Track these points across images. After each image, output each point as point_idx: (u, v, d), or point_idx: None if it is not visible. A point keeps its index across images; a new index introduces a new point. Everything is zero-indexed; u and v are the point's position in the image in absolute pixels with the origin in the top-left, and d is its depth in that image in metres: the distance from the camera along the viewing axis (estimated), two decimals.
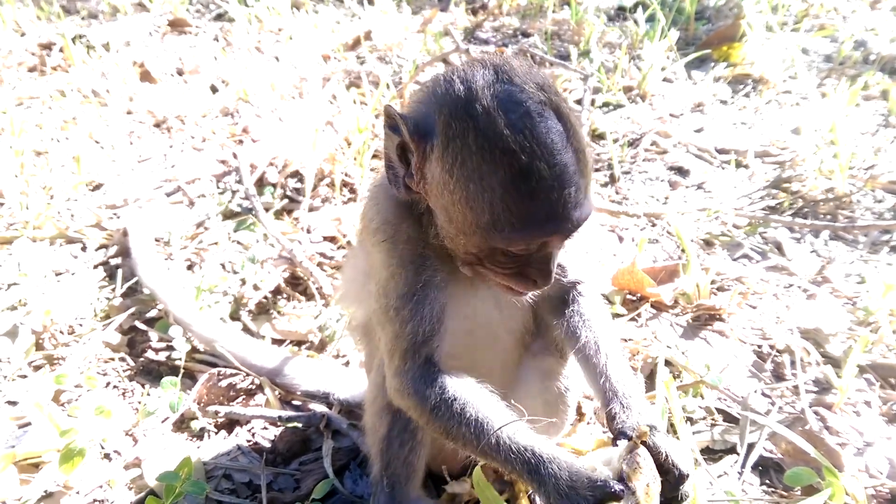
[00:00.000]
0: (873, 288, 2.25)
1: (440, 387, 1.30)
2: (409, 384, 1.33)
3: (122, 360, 2.09)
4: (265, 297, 2.38)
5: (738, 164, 3.17)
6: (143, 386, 2.01)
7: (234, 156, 3.07)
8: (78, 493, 1.66)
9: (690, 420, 1.90)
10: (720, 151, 3.26)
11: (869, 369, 2.09)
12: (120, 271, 2.40)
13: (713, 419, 1.91)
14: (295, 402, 1.97)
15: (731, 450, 1.82)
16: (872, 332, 2.19)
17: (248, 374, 1.99)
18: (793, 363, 2.09)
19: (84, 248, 2.58)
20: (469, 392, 1.31)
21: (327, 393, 1.95)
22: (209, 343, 2.06)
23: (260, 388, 1.98)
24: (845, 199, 2.87)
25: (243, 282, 2.37)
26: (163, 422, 1.86)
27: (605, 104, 3.69)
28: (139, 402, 1.93)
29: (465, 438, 1.28)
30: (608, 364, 1.37)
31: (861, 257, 2.59)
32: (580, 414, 1.91)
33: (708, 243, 2.69)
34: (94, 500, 1.65)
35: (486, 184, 1.12)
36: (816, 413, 1.93)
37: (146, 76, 3.82)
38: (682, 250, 2.56)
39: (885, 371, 2.09)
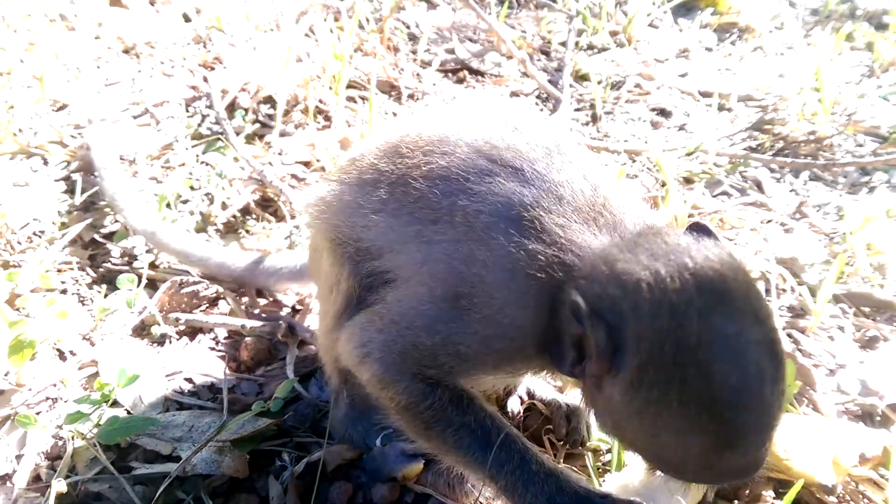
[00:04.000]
0: (851, 219, 2.23)
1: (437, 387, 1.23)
2: (401, 380, 1.23)
3: (82, 269, 2.01)
4: (234, 216, 2.31)
5: (721, 108, 3.13)
6: (104, 296, 1.94)
7: (205, 80, 2.97)
8: (30, 390, 1.59)
9: None
10: (703, 94, 3.22)
11: (844, 298, 2.08)
12: (80, 185, 2.31)
13: None
14: (260, 312, 1.92)
15: None
16: (848, 264, 2.18)
17: (211, 283, 1.93)
18: (767, 290, 2.07)
19: (45, 163, 2.48)
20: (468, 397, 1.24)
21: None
22: (172, 250, 1.98)
23: (223, 296, 1.92)
24: (826, 141, 2.85)
25: (211, 199, 2.30)
26: (122, 327, 1.79)
27: (591, 46, 3.62)
28: (98, 309, 1.86)
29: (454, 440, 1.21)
30: None
31: (840, 197, 2.57)
32: None
33: (688, 181, 2.66)
34: (47, 398, 1.59)
35: (683, 441, 1.00)
36: (790, 336, 1.92)
37: (116, 1, 3.67)
38: (662, 184, 2.53)
39: (860, 300, 2.08)
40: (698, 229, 1.10)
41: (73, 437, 1.43)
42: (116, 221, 2.18)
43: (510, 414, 1.61)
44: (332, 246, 1.39)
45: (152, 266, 2.01)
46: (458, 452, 1.23)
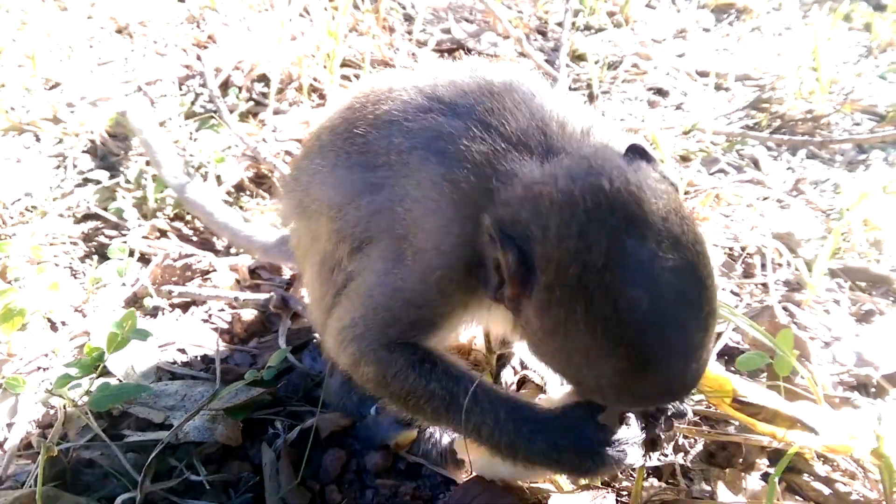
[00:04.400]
0: (847, 194, 2.22)
1: (405, 350, 1.21)
2: (368, 350, 1.22)
3: (74, 243, 2.00)
4: (228, 193, 2.30)
5: (719, 87, 3.11)
6: (95, 269, 1.93)
7: (199, 59, 2.94)
8: (21, 359, 1.58)
9: None
10: (701, 74, 3.20)
11: (840, 273, 2.07)
12: (72, 161, 2.30)
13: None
14: (253, 285, 1.91)
15: None
16: (845, 240, 2.17)
17: (204, 256, 1.91)
18: (763, 265, 2.07)
19: (38, 140, 2.46)
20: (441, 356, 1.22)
21: None
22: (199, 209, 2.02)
23: (216, 269, 1.91)
24: (824, 120, 2.84)
25: (205, 176, 2.28)
26: (114, 299, 1.78)
27: (587, 27, 3.60)
28: (90, 279, 1.84)
29: (436, 401, 1.18)
30: None
31: (837, 174, 2.56)
32: None
33: (685, 158, 2.64)
34: (38, 368, 1.58)
35: (594, 364, 0.98)
36: (785, 309, 1.91)
37: None
38: (659, 163, 2.51)
39: (856, 275, 2.07)
40: (635, 151, 1.06)
41: (64, 406, 1.42)
42: (109, 198, 2.17)
43: (504, 384, 1.61)
44: (312, 222, 1.38)
45: (145, 238, 2.00)
46: (436, 419, 1.23)
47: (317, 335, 1.68)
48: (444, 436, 1.43)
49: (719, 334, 1.79)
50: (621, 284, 0.92)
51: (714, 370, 1.37)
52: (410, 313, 1.19)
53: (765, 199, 2.40)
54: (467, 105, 1.20)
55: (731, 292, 2.00)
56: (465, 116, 1.18)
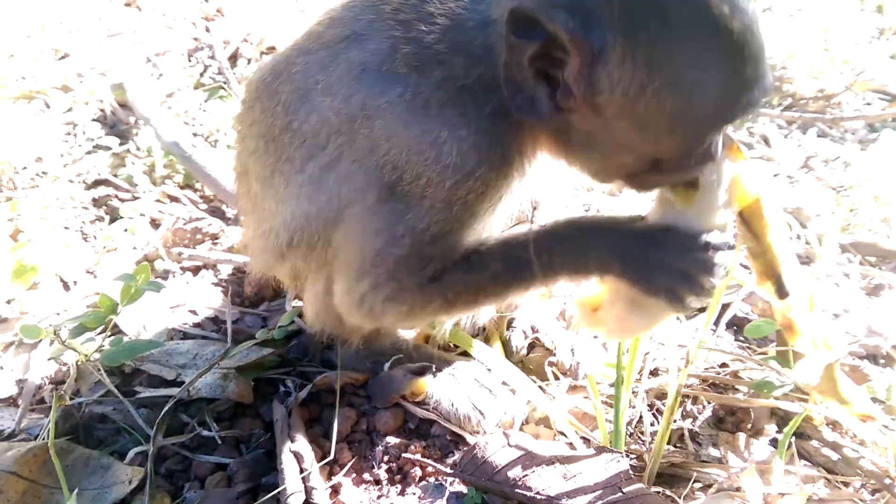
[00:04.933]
0: (857, 170, 2.22)
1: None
2: (402, 301, 1.17)
3: (85, 207, 2.01)
4: None
5: None
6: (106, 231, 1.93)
7: (207, 30, 2.94)
8: (33, 317, 1.59)
9: None
10: None
11: (850, 248, 2.07)
12: (82, 128, 2.30)
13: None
14: None
15: (703, 309, 1.79)
16: (854, 215, 2.17)
17: (214, 220, 1.92)
18: None
19: (48, 107, 2.46)
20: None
21: None
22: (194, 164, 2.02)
23: (226, 234, 1.91)
24: (835, 99, 2.82)
25: (214, 143, 2.28)
26: (125, 261, 1.79)
27: None
28: (103, 237, 1.85)
29: (492, 274, 1.14)
30: None
31: (848, 151, 2.55)
32: None
33: None
34: (50, 325, 1.58)
35: (704, 67, 0.93)
36: None
37: None
38: None
39: (866, 249, 2.06)
40: None
41: (77, 362, 1.43)
42: (119, 164, 2.17)
43: (514, 349, 1.61)
44: None
45: (156, 202, 2.00)
46: (507, 293, 1.19)
47: None
48: (452, 389, 1.44)
49: (727, 304, 1.79)
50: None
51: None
52: (444, 244, 1.12)
53: (775, 175, 2.40)
54: (367, 22, 1.12)
55: (741, 265, 1.99)
56: (369, 29, 1.11)
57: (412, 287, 1.17)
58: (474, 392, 1.47)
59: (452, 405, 1.44)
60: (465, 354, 1.53)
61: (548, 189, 1.41)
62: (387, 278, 1.16)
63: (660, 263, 1.06)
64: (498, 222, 1.20)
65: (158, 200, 2.07)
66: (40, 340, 1.47)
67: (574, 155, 1.10)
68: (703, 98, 0.95)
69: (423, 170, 1.06)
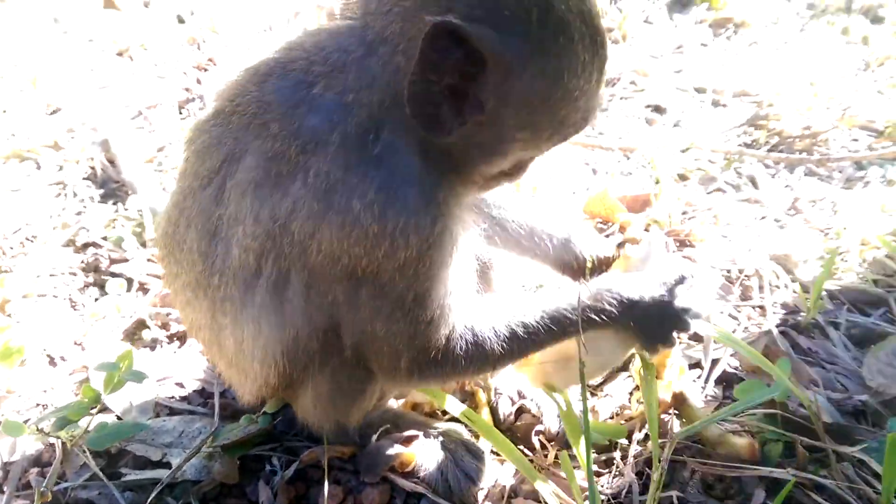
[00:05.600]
0: (845, 214, 2.22)
1: (483, 321, 1.21)
2: (461, 347, 1.20)
3: (73, 273, 2.01)
4: None
5: (716, 103, 3.12)
6: (95, 300, 1.94)
7: (199, 82, 2.97)
8: (20, 396, 1.59)
9: None
10: (698, 90, 3.21)
11: (838, 294, 2.07)
12: (72, 189, 2.31)
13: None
14: None
15: (696, 365, 1.80)
16: (843, 259, 2.17)
17: None
18: (761, 287, 2.07)
19: (38, 167, 2.48)
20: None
21: None
22: None
23: None
24: (822, 136, 2.84)
25: None
26: (112, 331, 1.79)
27: None
28: (89, 314, 1.86)
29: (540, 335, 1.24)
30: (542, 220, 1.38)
31: (835, 192, 2.56)
32: None
33: (682, 177, 2.64)
34: (38, 404, 1.59)
35: (586, 74, 1.03)
36: (783, 333, 1.91)
37: (109, 4, 3.67)
38: (656, 182, 2.52)
39: (854, 296, 2.07)
40: None
41: (62, 444, 1.43)
42: (109, 227, 2.19)
43: (502, 416, 1.61)
44: None
45: (144, 268, 2.01)
46: (549, 341, 1.27)
47: None
48: (440, 458, 1.44)
49: (717, 360, 1.79)
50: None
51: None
52: (433, 296, 1.12)
53: (762, 218, 2.41)
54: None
55: (729, 315, 1.99)
56: (242, 144, 1.11)
57: (438, 349, 1.18)
58: (463, 460, 1.47)
59: (442, 474, 1.44)
60: (454, 420, 1.53)
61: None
62: (417, 351, 1.17)
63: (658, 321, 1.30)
64: (469, 260, 1.22)
65: (150, 260, 2.07)
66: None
67: (455, 157, 1.11)
68: (585, 101, 1.06)
69: (364, 246, 1.04)
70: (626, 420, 1.62)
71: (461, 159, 1.11)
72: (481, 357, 1.22)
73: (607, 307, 1.26)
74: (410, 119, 1.01)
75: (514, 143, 1.09)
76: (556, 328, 1.24)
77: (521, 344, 1.24)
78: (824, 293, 1.95)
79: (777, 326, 1.91)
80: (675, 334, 1.34)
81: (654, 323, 1.30)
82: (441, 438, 1.51)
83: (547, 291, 1.27)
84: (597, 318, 1.25)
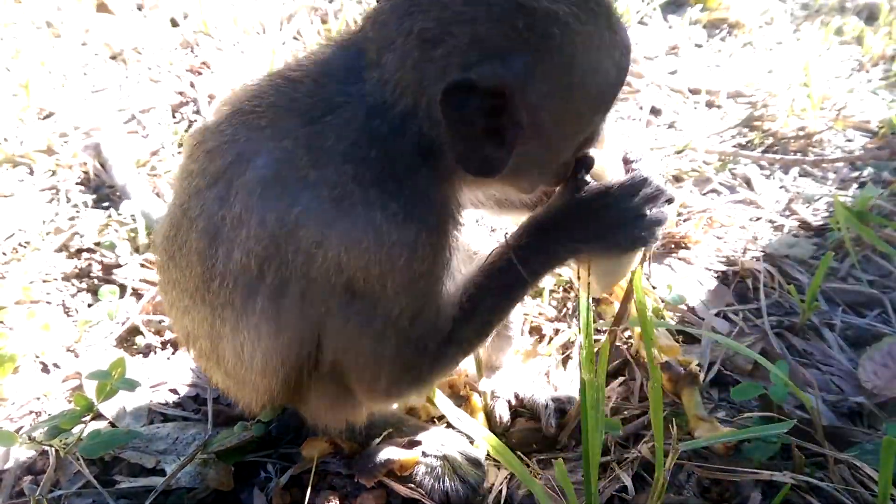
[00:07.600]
0: (839, 214, 2.22)
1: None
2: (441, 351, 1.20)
3: (66, 279, 2.00)
4: None
5: (710, 105, 3.12)
6: (88, 306, 1.93)
7: (192, 85, 2.96)
8: (13, 404, 1.58)
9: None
10: (693, 92, 3.21)
11: (834, 294, 2.07)
12: (65, 195, 2.30)
13: (676, 339, 1.87)
14: None
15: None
16: (838, 260, 2.17)
17: None
18: (756, 289, 2.07)
19: (31, 173, 2.47)
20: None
21: None
22: None
23: None
24: (816, 137, 2.84)
25: None
26: (105, 337, 1.78)
27: None
28: (81, 321, 1.85)
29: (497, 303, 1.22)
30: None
31: (830, 193, 2.56)
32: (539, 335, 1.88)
33: (677, 179, 2.64)
34: (31, 412, 1.58)
35: (593, 38, 1.02)
36: (779, 335, 1.91)
37: (103, 7, 3.65)
38: None
39: (850, 297, 2.07)
40: None
41: (56, 451, 1.42)
42: (102, 232, 2.17)
43: (498, 420, 1.60)
44: None
45: (137, 274, 2.00)
46: (502, 309, 1.25)
47: None
48: (438, 464, 1.45)
49: (712, 363, 1.79)
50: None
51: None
52: (425, 311, 1.13)
53: (757, 219, 2.41)
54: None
55: (725, 317, 1.99)
56: (254, 145, 1.09)
57: (423, 364, 1.20)
58: (461, 467, 1.46)
59: (438, 479, 1.44)
60: (450, 426, 1.52)
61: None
62: (399, 370, 1.18)
63: (614, 227, 1.20)
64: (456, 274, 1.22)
65: (143, 265, 2.06)
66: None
67: (505, 179, 1.12)
68: (609, 59, 1.06)
69: (368, 260, 1.04)
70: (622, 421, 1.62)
71: (509, 177, 1.10)
72: (453, 364, 1.26)
73: (533, 243, 1.20)
74: (426, 139, 1.03)
75: (564, 139, 1.10)
76: (509, 292, 1.22)
77: (487, 336, 1.26)
78: (819, 294, 1.94)
79: (773, 328, 1.91)
80: (648, 231, 1.22)
81: (619, 231, 1.21)
82: (439, 444, 1.50)
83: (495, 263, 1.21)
84: (537, 262, 1.20)
